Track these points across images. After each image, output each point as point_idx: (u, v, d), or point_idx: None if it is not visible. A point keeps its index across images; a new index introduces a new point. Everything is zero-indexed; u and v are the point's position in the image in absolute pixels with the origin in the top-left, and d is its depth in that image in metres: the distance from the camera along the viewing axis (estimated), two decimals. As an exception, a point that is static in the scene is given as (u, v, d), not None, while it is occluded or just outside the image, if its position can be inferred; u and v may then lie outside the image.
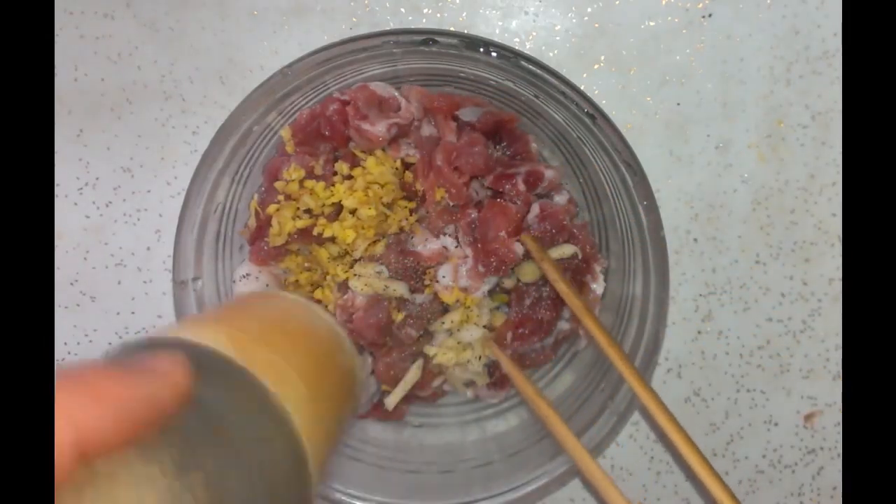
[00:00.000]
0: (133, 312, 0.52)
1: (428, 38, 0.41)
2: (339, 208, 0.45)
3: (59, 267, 0.52)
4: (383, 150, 0.45)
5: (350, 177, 0.45)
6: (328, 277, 0.46)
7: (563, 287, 0.43)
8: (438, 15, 0.51)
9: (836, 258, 0.52)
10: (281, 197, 0.45)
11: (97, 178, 0.52)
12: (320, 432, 0.27)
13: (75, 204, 0.52)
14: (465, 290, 0.45)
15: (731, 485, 0.53)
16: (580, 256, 0.46)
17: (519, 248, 0.44)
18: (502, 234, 0.44)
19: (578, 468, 0.40)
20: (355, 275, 0.45)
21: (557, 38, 0.52)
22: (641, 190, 0.41)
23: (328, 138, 0.45)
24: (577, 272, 0.47)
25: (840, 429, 0.53)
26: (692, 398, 0.53)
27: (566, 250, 0.46)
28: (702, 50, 0.51)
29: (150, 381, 0.22)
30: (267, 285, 0.46)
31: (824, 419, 0.53)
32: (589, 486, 0.53)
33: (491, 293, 0.46)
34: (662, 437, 0.53)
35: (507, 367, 0.45)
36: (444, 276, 0.45)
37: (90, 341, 0.52)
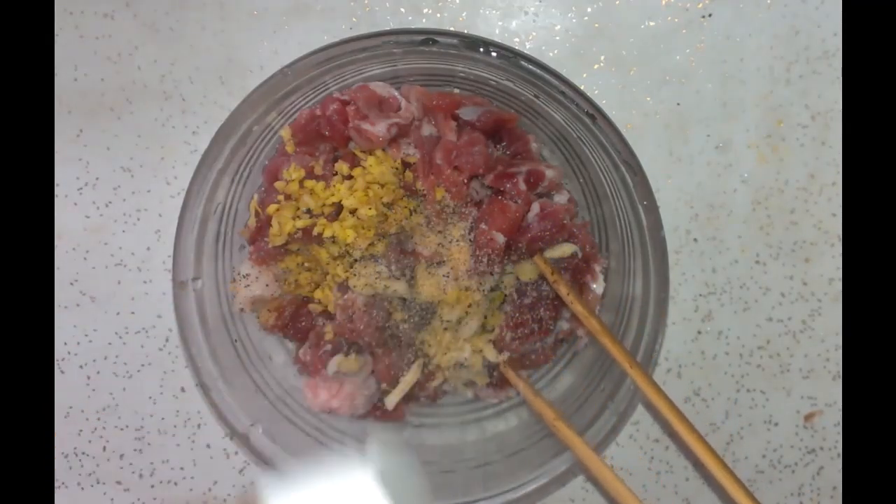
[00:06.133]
0: (133, 312, 0.52)
1: (428, 38, 0.41)
2: (339, 208, 0.45)
3: (59, 267, 0.52)
4: (383, 149, 0.45)
5: (350, 177, 0.45)
6: (328, 277, 0.46)
7: (579, 308, 0.43)
8: (438, 15, 0.51)
9: (836, 258, 0.52)
10: (281, 197, 0.45)
11: (97, 178, 0.52)
12: None
13: (75, 204, 0.52)
14: (465, 289, 0.45)
15: (731, 485, 0.53)
16: (580, 256, 0.46)
17: (500, 238, 0.44)
18: (483, 226, 0.44)
19: (593, 476, 0.41)
20: (355, 275, 0.45)
21: (557, 38, 0.52)
22: (641, 190, 0.41)
23: (328, 138, 0.45)
24: (577, 272, 0.47)
25: (840, 429, 0.53)
26: (692, 398, 0.53)
27: (566, 249, 0.46)
28: (702, 50, 0.51)
29: None
30: (267, 285, 0.46)
31: (824, 419, 0.53)
32: (597, 486, 0.53)
33: (491, 292, 0.46)
34: (662, 438, 0.53)
35: (524, 390, 0.46)
36: (444, 276, 0.45)
37: (90, 341, 0.53)
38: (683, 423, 0.39)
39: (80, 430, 0.53)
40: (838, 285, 0.52)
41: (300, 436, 0.46)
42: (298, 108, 0.45)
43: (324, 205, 0.44)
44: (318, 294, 0.46)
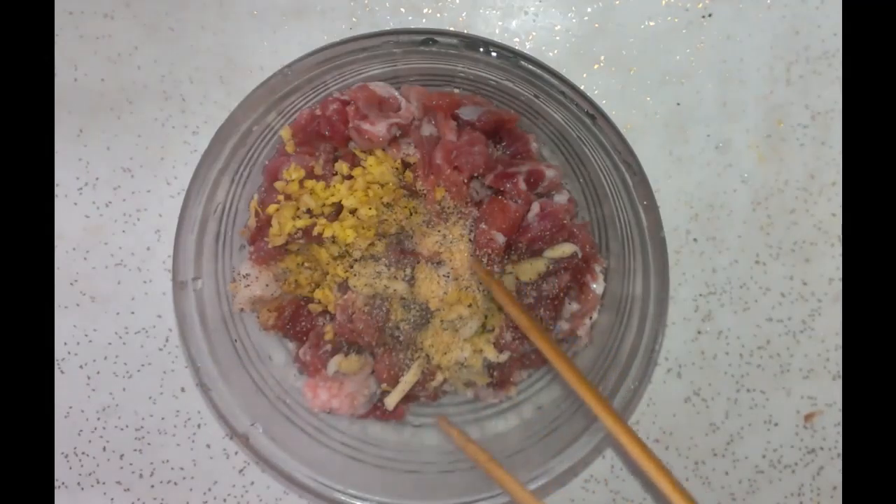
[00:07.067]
0: (133, 312, 0.52)
1: (428, 38, 0.41)
2: (339, 208, 0.45)
3: (59, 267, 0.52)
4: (383, 149, 0.45)
5: (350, 177, 0.45)
6: (328, 277, 0.46)
7: (535, 335, 0.41)
8: (438, 15, 0.51)
9: (836, 258, 0.52)
10: (281, 197, 0.45)
11: (97, 178, 0.52)
12: None
13: (75, 204, 0.52)
14: (465, 289, 0.45)
15: (731, 485, 0.53)
16: (580, 256, 0.46)
17: (500, 238, 0.44)
18: (483, 225, 0.44)
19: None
20: (355, 275, 0.45)
21: (557, 38, 0.52)
22: (641, 190, 0.41)
23: (328, 138, 0.45)
24: (577, 272, 0.47)
25: (840, 429, 0.53)
26: (692, 398, 0.53)
27: (566, 249, 0.46)
28: (702, 50, 0.51)
29: None
30: (267, 285, 0.46)
31: (824, 419, 0.53)
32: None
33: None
34: (662, 438, 0.53)
35: (456, 438, 0.45)
36: (444, 276, 0.45)
37: (90, 341, 0.53)
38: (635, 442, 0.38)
39: (80, 430, 0.53)
40: (838, 285, 0.52)
41: (300, 436, 0.46)
42: (298, 108, 0.45)
43: (324, 205, 0.45)
44: (318, 294, 0.46)
